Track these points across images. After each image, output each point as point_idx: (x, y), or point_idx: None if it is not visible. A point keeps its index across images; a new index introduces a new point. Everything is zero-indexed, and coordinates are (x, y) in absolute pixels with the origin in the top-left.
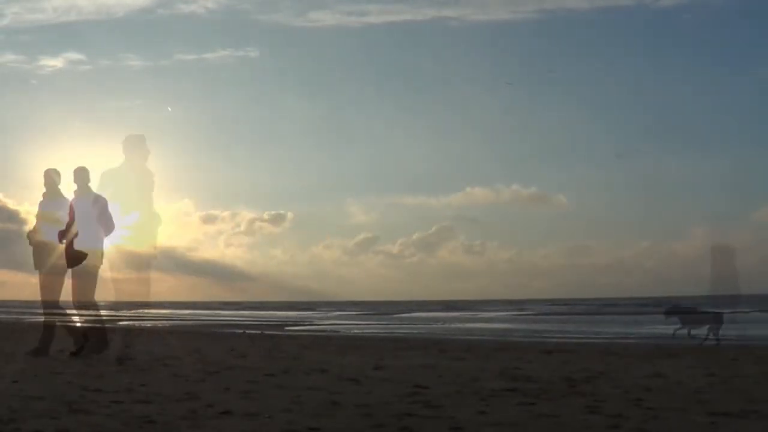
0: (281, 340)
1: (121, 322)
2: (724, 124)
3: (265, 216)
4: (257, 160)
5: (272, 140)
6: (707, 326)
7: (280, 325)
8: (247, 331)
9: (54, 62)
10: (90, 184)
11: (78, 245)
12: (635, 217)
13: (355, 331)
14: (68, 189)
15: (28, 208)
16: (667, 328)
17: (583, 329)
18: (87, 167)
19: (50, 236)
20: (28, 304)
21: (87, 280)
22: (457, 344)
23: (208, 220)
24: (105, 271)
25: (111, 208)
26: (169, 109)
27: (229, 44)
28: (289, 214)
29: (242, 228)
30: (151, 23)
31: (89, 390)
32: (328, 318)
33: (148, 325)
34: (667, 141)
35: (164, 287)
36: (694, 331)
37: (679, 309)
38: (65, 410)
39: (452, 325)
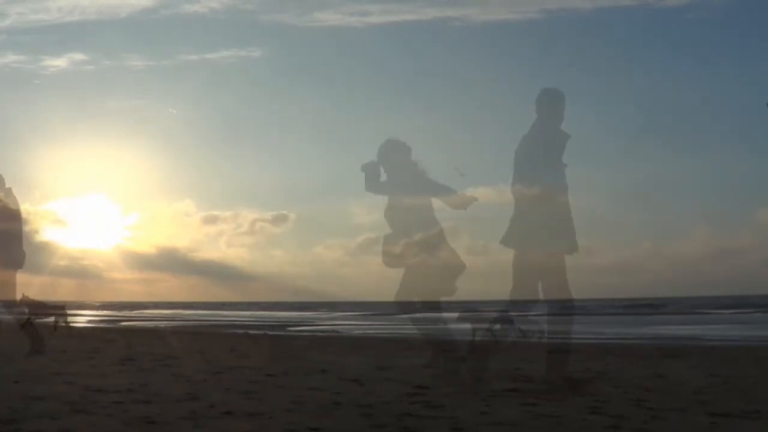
0: (283, 341)
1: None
2: (727, 123)
3: (267, 216)
4: (259, 160)
5: (275, 141)
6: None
7: (282, 325)
8: (249, 332)
9: (57, 62)
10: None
11: None
12: (637, 217)
13: (357, 331)
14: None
15: (29, 208)
16: (670, 328)
17: (586, 330)
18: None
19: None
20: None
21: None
22: (458, 344)
23: (210, 220)
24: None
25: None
26: (173, 111)
27: (232, 44)
28: (291, 215)
29: (244, 228)
30: (154, 23)
31: (90, 390)
32: (329, 318)
33: (150, 325)
34: (670, 141)
35: (165, 287)
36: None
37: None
38: (66, 410)
39: (454, 326)
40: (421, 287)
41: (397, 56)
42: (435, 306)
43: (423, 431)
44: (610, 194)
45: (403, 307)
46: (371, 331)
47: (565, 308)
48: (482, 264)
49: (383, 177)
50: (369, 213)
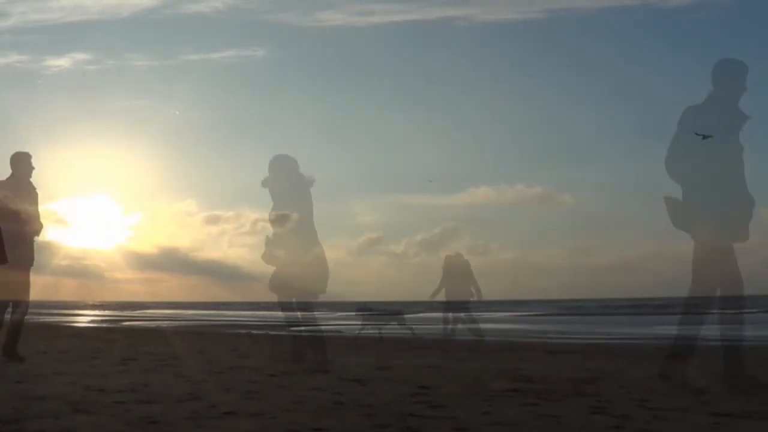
0: (284, 341)
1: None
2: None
3: (270, 216)
4: (262, 160)
5: (277, 140)
6: (393, 324)
7: (284, 325)
8: (252, 332)
9: (60, 62)
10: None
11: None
12: (637, 217)
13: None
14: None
15: (29, 208)
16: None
17: (587, 330)
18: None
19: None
20: (33, 305)
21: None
22: (460, 345)
23: (212, 220)
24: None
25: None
26: (176, 112)
27: (235, 44)
28: (294, 215)
29: (246, 228)
30: (157, 23)
31: (92, 390)
32: (330, 318)
33: (152, 325)
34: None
35: (167, 287)
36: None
37: (366, 308)
38: (68, 410)
39: (455, 326)
40: (291, 287)
41: (399, 56)
42: (308, 304)
43: (425, 431)
44: (610, 194)
45: (283, 305)
46: (371, 332)
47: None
48: (483, 264)
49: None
50: (371, 213)
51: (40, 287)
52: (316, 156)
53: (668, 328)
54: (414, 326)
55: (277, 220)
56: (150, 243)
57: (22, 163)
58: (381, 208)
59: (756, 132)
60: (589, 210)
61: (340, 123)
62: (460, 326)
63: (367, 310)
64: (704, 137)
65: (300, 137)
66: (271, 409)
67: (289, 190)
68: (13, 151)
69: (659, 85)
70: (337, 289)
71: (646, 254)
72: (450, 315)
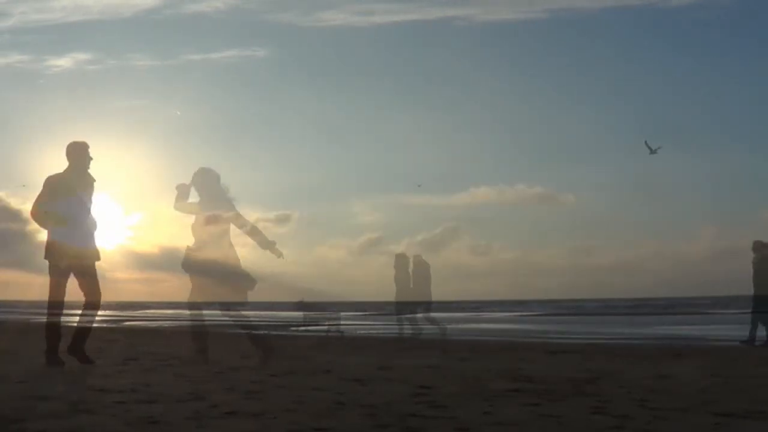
0: (285, 341)
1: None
2: (732, 123)
3: (270, 216)
4: (263, 160)
5: (278, 140)
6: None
7: (285, 325)
8: (253, 332)
9: (61, 62)
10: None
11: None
12: (642, 217)
13: (360, 331)
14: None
15: (30, 208)
16: (670, 329)
17: (587, 330)
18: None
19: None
20: (34, 305)
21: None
22: (461, 345)
23: (212, 220)
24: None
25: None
26: (178, 113)
27: (236, 44)
28: (295, 214)
29: (247, 228)
30: (158, 23)
31: (93, 390)
32: (332, 318)
33: (153, 325)
34: (675, 140)
35: (167, 287)
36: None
37: (305, 305)
38: (69, 410)
39: (456, 326)
40: (211, 291)
41: (399, 56)
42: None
43: (426, 431)
44: (610, 194)
45: (192, 305)
46: (372, 332)
47: None
48: (483, 264)
49: (193, 197)
50: (371, 213)
51: (40, 287)
52: (316, 156)
53: (668, 328)
54: (342, 328)
55: (197, 230)
56: (151, 243)
57: (70, 154)
58: (381, 208)
59: (756, 131)
60: (589, 210)
61: (340, 123)
62: (419, 326)
63: (305, 307)
64: (651, 151)
65: (300, 137)
66: (272, 409)
67: (214, 200)
68: (14, 151)
69: (659, 85)
70: (337, 289)
71: (646, 254)
72: (410, 315)
